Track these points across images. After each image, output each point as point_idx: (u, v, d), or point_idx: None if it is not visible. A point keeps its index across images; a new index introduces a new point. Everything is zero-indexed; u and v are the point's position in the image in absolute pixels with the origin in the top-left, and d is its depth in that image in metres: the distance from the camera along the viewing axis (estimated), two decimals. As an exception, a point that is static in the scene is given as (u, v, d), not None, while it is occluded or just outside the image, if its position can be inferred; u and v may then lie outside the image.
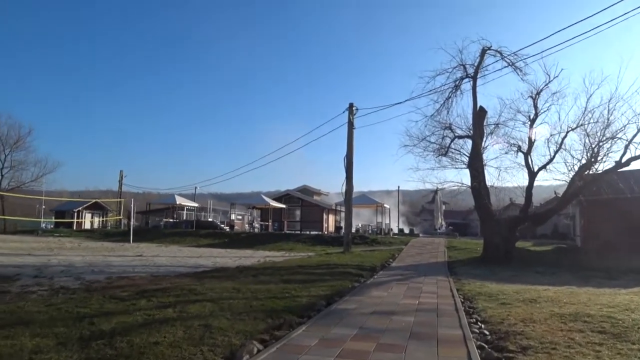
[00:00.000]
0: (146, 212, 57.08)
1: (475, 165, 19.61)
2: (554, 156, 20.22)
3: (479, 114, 20.04)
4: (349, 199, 23.07)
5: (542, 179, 21.24)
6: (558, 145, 20.01)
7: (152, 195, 70.77)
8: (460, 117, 21.28)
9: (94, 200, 61.35)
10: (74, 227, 53.60)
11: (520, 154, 21.09)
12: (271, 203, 39.17)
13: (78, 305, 7.55)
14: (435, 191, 47.13)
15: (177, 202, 43.92)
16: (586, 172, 19.46)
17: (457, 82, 20.90)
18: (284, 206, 41.79)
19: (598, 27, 16.00)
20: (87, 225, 58.74)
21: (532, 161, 20.75)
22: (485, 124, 20.58)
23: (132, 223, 35.32)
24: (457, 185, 20.47)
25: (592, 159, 19.12)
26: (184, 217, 50.73)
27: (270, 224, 40.98)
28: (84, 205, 59.95)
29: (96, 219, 61.35)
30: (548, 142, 20.44)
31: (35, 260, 16.62)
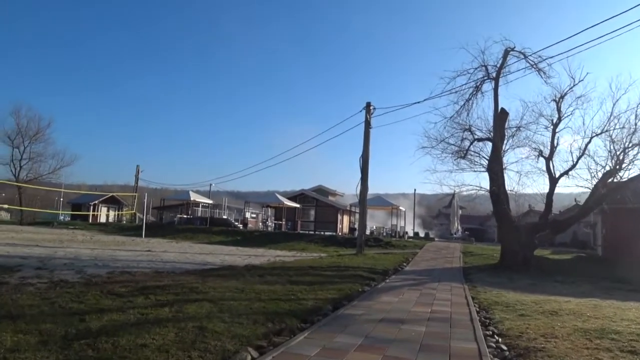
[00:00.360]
0: (161, 208, 57.15)
1: (495, 168, 19.00)
2: (576, 162, 19.56)
3: (500, 116, 19.42)
4: (364, 199, 22.58)
5: (563, 185, 20.63)
6: (581, 151, 19.34)
7: (169, 191, 70.79)
8: (481, 119, 20.75)
9: (110, 194, 61.59)
10: (90, 220, 53.82)
11: (541, 159, 20.45)
12: (285, 202, 38.81)
13: (73, 300, 7.24)
14: (453, 195, 46.56)
15: (192, 199, 43.75)
16: (610, 180, 18.79)
17: (478, 83, 20.32)
18: (298, 205, 41.40)
19: (625, 26, 15.27)
20: (103, 219, 59.00)
21: (553, 167, 20.12)
22: (506, 126, 19.94)
23: (144, 218, 35.18)
24: (476, 189, 19.90)
25: (617, 166, 18.42)
26: (199, 214, 50.64)
27: (283, 223, 40.61)
28: (101, 199, 60.30)
29: (112, 213, 61.63)
30: (571, 148, 19.80)
31: (42, 251, 16.43)
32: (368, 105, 22.69)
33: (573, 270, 17.85)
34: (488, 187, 19.40)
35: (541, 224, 19.70)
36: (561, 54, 17.29)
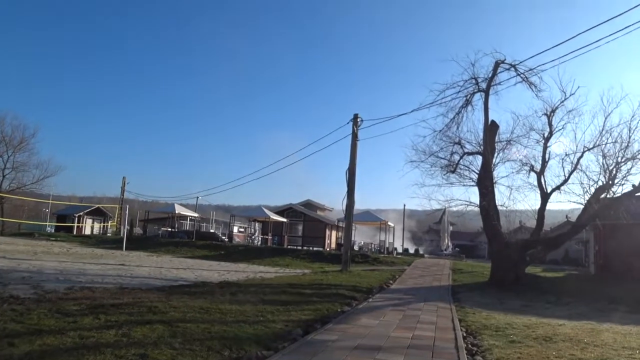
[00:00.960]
0: (147, 221, 56.05)
1: (485, 183, 18.36)
2: (568, 177, 19.08)
3: (491, 128, 18.84)
4: (350, 214, 21.81)
5: (554, 201, 20.10)
6: (573, 166, 18.91)
7: (159, 204, 69.89)
8: (471, 132, 20.07)
9: (95, 206, 60.45)
10: (74, 232, 52.65)
11: (532, 173, 19.90)
12: (271, 216, 37.91)
13: (12, 320, 6.45)
14: (443, 211, 45.98)
15: (177, 212, 42.76)
16: (603, 195, 18.25)
17: (468, 97, 19.79)
18: (284, 220, 40.51)
19: (619, 31, 14.74)
20: (88, 231, 57.78)
21: (545, 181, 19.59)
22: (496, 140, 19.35)
23: (124, 230, 34.14)
24: (465, 204, 19.20)
25: (610, 181, 17.95)
26: (186, 227, 49.61)
27: (269, 237, 39.69)
28: (86, 211, 59.12)
29: (97, 225, 60.39)
30: (562, 162, 19.29)
31: (5, 264, 15.47)
32: (355, 117, 22.04)
33: (566, 289, 17.12)
34: (478, 202, 18.74)
35: (533, 240, 19.04)
36: (552, 61, 16.44)
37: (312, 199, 49.16)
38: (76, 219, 57.10)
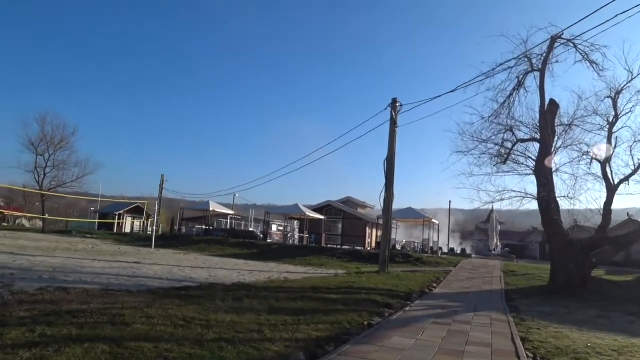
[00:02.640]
0: (187, 219, 55.33)
1: (544, 171, 15.86)
2: (638, 167, 16.38)
3: (551, 108, 16.33)
4: (388, 208, 19.58)
5: (623, 193, 17.23)
6: None
7: (197, 203, 69.67)
8: (524, 117, 17.54)
9: (135, 204, 60.33)
10: (115, 230, 52.52)
11: (595, 163, 17.29)
12: (308, 213, 35.96)
13: None
14: (491, 209, 43.03)
15: (211, 209, 41.38)
16: None
17: (520, 77, 17.33)
18: (322, 217, 38.47)
19: None
20: (128, 229, 57.79)
21: (611, 172, 16.94)
22: (556, 123, 16.80)
23: (154, 228, 32.96)
24: (520, 197, 16.66)
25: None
26: (224, 226, 48.37)
27: (306, 235, 37.77)
28: (126, 209, 59.25)
29: (137, 223, 60.36)
30: (632, 150, 16.59)
31: (1, 259, 14.15)
32: (394, 101, 19.83)
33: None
34: (535, 194, 16.24)
35: (600, 238, 16.42)
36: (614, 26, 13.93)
37: (352, 196, 47.00)
38: (117, 217, 57.22)
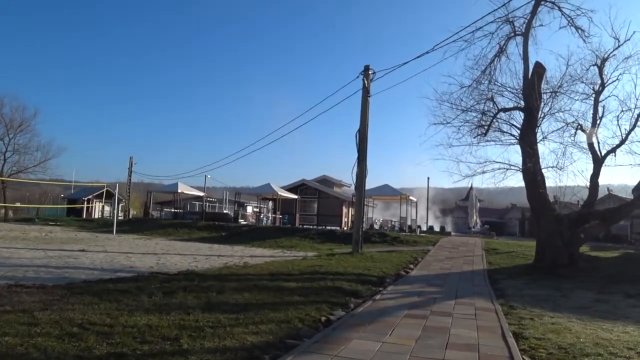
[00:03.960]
0: (159, 203, 53.37)
1: (530, 140, 14.53)
2: (626, 137, 15.22)
3: (537, 71, 14.98)
4: (361, 184, 18.11)
5: (611, 165, 16.04)
6: (632, 124, 15.05)
7: (165, 185, 68.02)
8: (507, 85, 16.17)
9: (104, 188, 58.14)
10: (84, 216, 50.44)
11: (581, 133, 16.07)
12: (279, 192, 34.29)
13: None
14: (470, 187, 41.93)
15: (180, 190, 39.43)
16: None
17: (502, 43, 16.00)
18: (296, 197, 36.85)
19: None
20: (98, 214, 55.64)
21: (598, 143, 15.75)
22: (543, 89, 15.47)
23: (116, 212, 31.16)
24: (504, 168, 15.26)
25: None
26: (197, 209, 46.46)
27: (278, 216, 36.13)
28: (95, 194, 57.02)
29: (107, 208, 58.21)
30: (618, 120, 15.38)
31: None
32: (366, 68, 18.22)
33: (634, 274, 13.32)
34: (520, 165, 14.91)
35: (589, 213, 15.21)
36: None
37: (328, 175, 45.32)
38: (85, 202, 55.06)
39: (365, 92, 18.12)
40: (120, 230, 29.82)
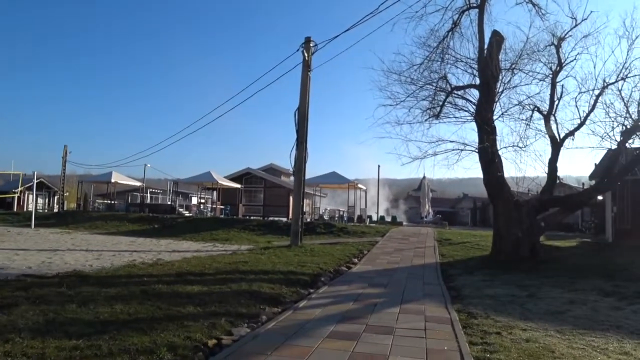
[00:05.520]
0: (101, 195, 50.01)
1: (486, 116, 12.97)
2: (584, 120, 13.96)
3: (495, 39, 13.43)
4: (300, 169, 16.19)
5: (571, 147, 14.80)
6: (591, 106, 13.79)
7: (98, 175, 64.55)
8: (460, 63, 14.59)
9: (37, 179, 54.19)
10: (15, 208, 46.85)
11: (538, 115, 14.72)
12: (220, 182, 31.95)
13: None
14: (423, 176, 40.71)
15: (113, 180, 36.48)
16: (630, 141, 13.63)
17: (455, 18, 14.35)
18: (238, 186, 34.56)
19: None
20: (31, 207, 51.80)
21: (557, 126, 14.46)
22: (500, 58, 13.97)
23: (34, 204, 28.29)
24: (458, 148, 13.63)
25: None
26: (138, 201, 43.47)
27: (218, 207, 33.74)
28: (26, 185, 52.96)
29: (40, 200, 54.37)
30: (577, 102, 14.10)
31: None
32: (307, 40, 16.29)
33: (600, 265, 11.98)
34: (475, 145, 13.33)
35: (550, 199, 13.86)
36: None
37: (275, 163, 43.21)
38: (16, 194, 51.11)
39: (306, 67, 16.17)
40: (44, 224, 27.15)
